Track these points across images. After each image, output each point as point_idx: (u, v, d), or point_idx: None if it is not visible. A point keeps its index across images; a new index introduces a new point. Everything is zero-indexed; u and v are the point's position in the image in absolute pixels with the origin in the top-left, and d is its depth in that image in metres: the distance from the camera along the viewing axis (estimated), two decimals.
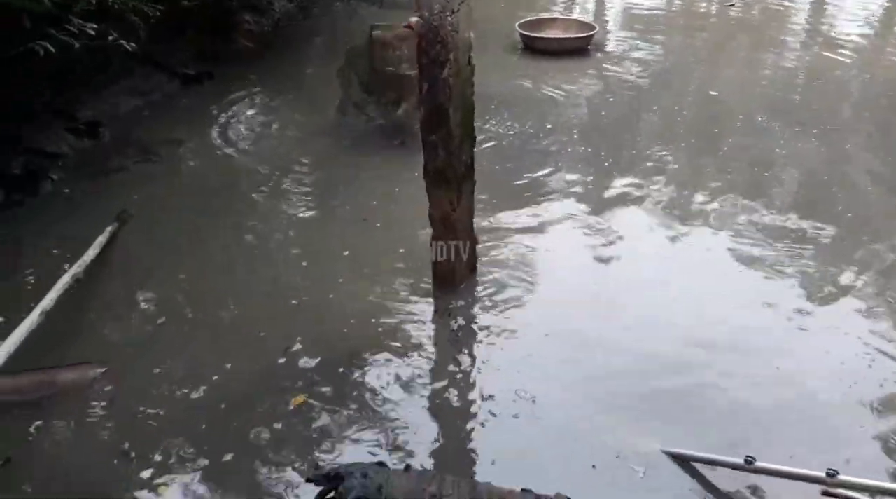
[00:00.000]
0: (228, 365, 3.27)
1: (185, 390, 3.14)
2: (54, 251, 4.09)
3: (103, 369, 3.23)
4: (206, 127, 5.72)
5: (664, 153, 5.35)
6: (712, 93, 6.55)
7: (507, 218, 4.46)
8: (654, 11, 9.58)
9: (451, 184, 3.47)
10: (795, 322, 3.59)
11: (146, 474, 2.75)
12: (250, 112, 6.09)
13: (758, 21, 9.36)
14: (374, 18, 8.37)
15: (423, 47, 3.14)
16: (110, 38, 4.93)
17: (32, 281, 3.83)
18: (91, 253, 3.84)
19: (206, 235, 4.35)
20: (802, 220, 4.48)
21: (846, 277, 3.97)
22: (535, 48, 7.59)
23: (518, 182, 4.91)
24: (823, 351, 3.38)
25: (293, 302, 3.72)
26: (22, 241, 4.21)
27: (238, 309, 3.69)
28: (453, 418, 3.04)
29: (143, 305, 3.70)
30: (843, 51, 7.81)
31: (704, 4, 10.51)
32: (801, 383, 3.19)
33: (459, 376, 3.25)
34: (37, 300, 3.34)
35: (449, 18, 3.03)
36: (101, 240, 4.01)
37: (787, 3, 9.92)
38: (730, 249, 4.21)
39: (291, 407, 3.06)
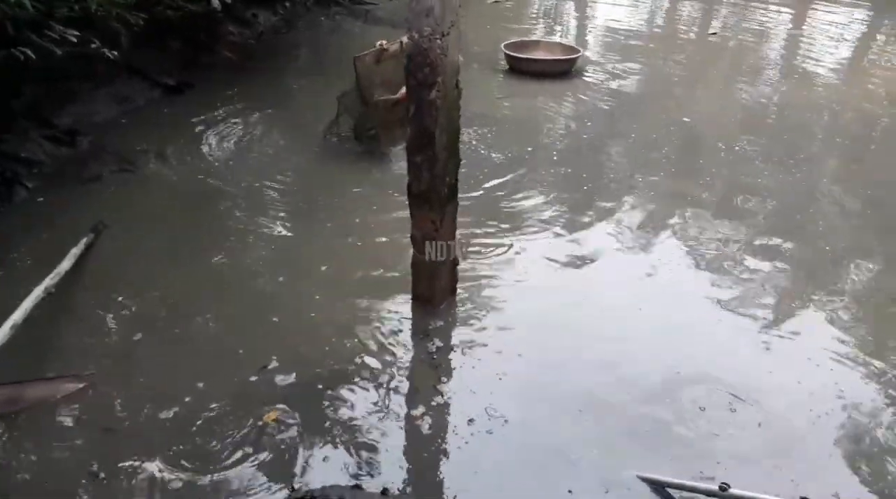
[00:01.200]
0: (201, 384, 3.22)
1: (159, 409, 3.08)
2: (27, 261, 4.01)
3: (75, 385, 3.17)
4: (185, 138, 5.67)
5: (640, 178, 5.40)
6: (685, 119, 6.62)
7: (488, 240, 4.46)
8: (635, 36, 9.72)
9: (435, 205, 3.47)
10: (765, 351, 3.62)
11: (115, 495, 2.68)
12: (230, 124, 6.04)
13: (735, 49, 9.53)
14: (358, 33, 8.46)
15: (412, 70, 3.14)
16: (93, 45, 4.88)
17: (4, 292, 3.74)
18: (65, 264, 3.77)
19: (183, 249, 4.30)
20: (775, 248, 4.54)
21: (816, 305, 4.03)
22: (520, 69, 7.66)
23: (500, 204, 4.93)
24: (795, 381, 3.41)
25: (274, 319, 3.68)
26: None
27: (215, 325, 3.64)
28: (429, 441, 3.02)
29: (119, 320, 3.63)
30: (815, 81, 7.98)
31: (684, 29, 10.70)
32: (771, 412, 3.22)
33: (436, 397, 3.23)
34: (7, 313, 3.27)
35: (438, 41, 3.05)
36: (75, 251, 3.95)
37: (762, 33, 10.14)
38: (702, 275, 4.26)
39: (261, 422, 3.02)
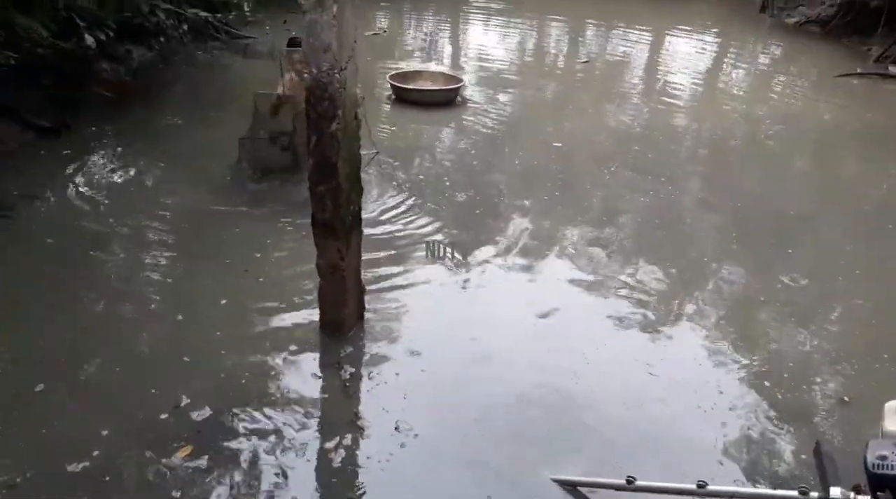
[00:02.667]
0: (105, 432, 3.12)
1: (68, 461, 2.95)
2: None
3: None
4: (64, 180, 5.42)
5: (525, 202, 5.67)
6: (556, 144, 6.96)
7: (386, 270, 4.56)
8: (507, 66, 10.18)
9: (340, 234, 3.57)
10: (649, 363, 3.86)
11: None
12: (109, 164, 5.85)
13: (601, 76, 10.19)
14: (238, 68, 8.41)
15: (312, 102, 3.24)
16: None
17: None
18: None
19: (74, 295, 4.12)
20: (646, 264, 4.87)
21: (688, 315, 4.39)
22: (406, 99, 7.85)
23: (397, 233, 5.05)
24: (682, 383, 3.72)
25: (185, 359, 3.62)
26: None
27: (121, 368, 3.54)
28: (347, 462, 3.08)
29: (14, 371, 3.46)
30: (675, 102, 8.67)
31: (552, 57, 11.32)
32: (665, 414, 3.50)
33: (349, 420, 3.30)
34: None
35: (337, 76, 3.17)
36: None
37: (625, 59, 10.91)
38: (586, 290, 4.57)
39: (179, 456, 3.00)
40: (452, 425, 3.32)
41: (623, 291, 4.53)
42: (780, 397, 3.63)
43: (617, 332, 4.14)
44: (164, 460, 2.99)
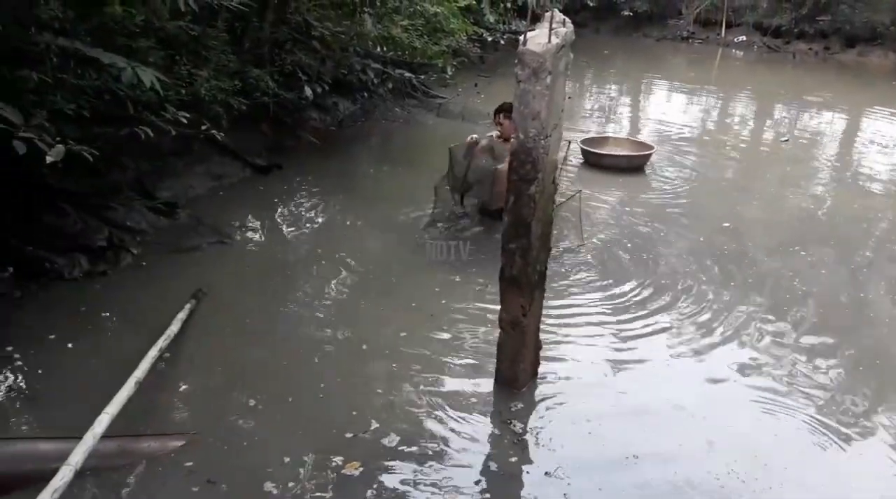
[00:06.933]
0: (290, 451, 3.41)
1: (269, 469, 3.26)
2: (136, 319, 4.32)
3: (178, 442, 3.37)
4: (272, 215, 6.04)
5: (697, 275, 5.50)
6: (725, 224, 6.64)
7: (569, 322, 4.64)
8: (688, 135, 10.02)
9: (525, 290, 3.69)
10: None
11: None
12: (312, 203, 6.42)
13: (790, 153, 9.74)
14: (431, 125, 8.94)
15: (515, 166, 3.43)
16: (203, 127, 5.34)
17: (117, 348, 4.04)
18: (174, 328, 4.04)
19: (277, 318, 4.56)
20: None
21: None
22: (596, 164, 7.93)
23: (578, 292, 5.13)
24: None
25: (379, 391, 3.88)
26: (102, 309, 4.44)
27: (313, 390, 3.85)
28: None
29: (224, 384, 3.88)
30: (872, 188, 8.11)
31: (737, 128, 10.99)
32: None
33: (511, 477, 3.38)
34: (120, 367, 3.53)
35: (542, 142, 3.34)
36: (181, 316, 4.23)
37: (816, 140, 10.36)
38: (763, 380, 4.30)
39: (345, 470, 3.25)
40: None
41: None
42: None
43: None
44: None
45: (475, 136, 5.68)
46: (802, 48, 18.85)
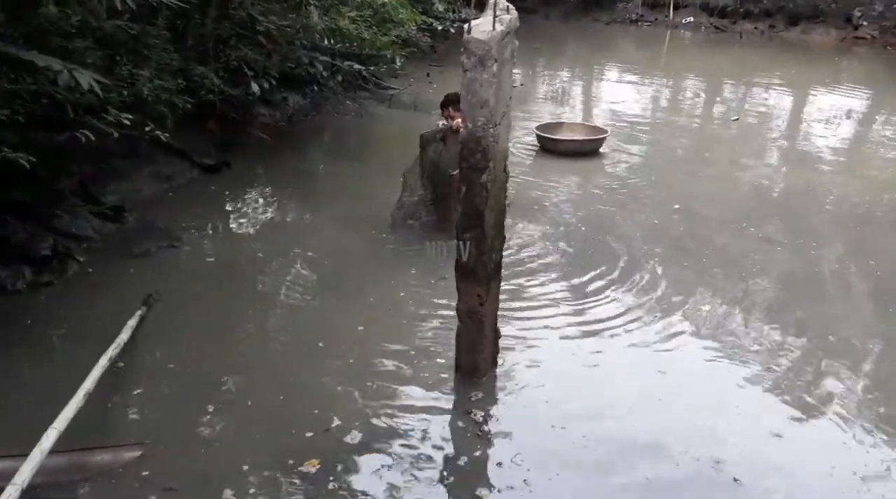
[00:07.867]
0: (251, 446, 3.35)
1: (228, 474, 3.20)
2: (84, 329, 4.19)
3: (134, 453, 3.28)
4: (223, 215, 5.92)
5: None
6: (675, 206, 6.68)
7: (527, 314, 4.63)
8: (640, 117, 10.11)
9: (481, 279, 3.67)
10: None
11: None
12: (264, 201, 6.32)
13: (743, 133, 9.91)
14: (383, 117, 8.86)
15: (465, 155, 3.39)
16: (147, 128, 5.19)
17: (65, 357, 3.91)
18: (124, 336, 3.93)
19: (230, 322, 4.46)
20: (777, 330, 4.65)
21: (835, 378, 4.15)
22: (552, 150, 8.01)
23: (528, 280, 5.12)
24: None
25: (338, 388, 3.83)
26: (49, 321, 4.30)
27: (271, 392, 3.79)
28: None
29: (175, 390, 3.78)
30: (819, 163, 8.29)
31: (687, 109, 11.16)
32: None
33: (476, 467, 3.37)
34: (68, 380, 3.41)
35: (491, 131, 3.31)
36: (131, 323, 4.11)
37: (766, 115, 10.56)
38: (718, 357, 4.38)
39: (302, 467, 3.22)
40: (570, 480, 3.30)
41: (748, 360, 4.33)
42: None
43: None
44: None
45: (443, 122, 5.55)
46: (748, 28, 19.11)
